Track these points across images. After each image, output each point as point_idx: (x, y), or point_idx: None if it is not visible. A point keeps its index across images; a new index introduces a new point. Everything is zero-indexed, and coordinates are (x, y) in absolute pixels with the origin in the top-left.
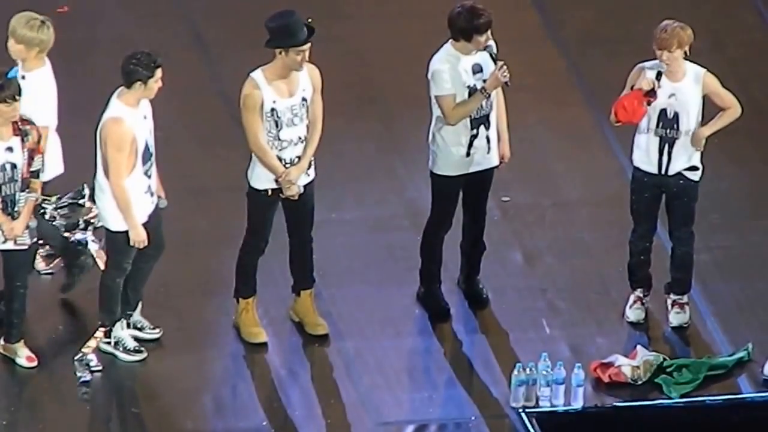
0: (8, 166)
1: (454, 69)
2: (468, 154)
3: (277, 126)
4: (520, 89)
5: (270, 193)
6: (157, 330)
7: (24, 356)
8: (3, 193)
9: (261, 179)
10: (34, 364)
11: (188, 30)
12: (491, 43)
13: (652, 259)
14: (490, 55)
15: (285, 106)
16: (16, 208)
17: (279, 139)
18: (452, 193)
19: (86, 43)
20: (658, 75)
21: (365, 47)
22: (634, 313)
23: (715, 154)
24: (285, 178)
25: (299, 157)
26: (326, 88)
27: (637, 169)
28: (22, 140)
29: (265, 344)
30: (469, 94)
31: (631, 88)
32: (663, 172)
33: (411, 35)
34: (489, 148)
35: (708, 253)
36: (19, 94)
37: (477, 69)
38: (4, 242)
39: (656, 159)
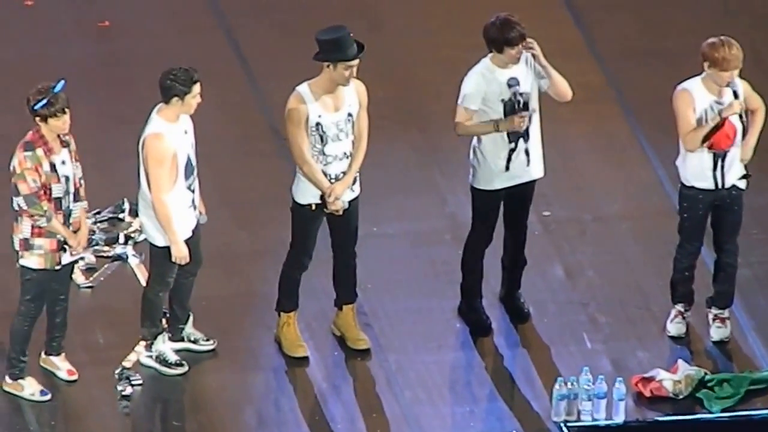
0: (63, 180)
1: (487, 83)
2: (507, 168)
3: (322, 141)
4: (560, 103)
5: (314, 207)
6: (211, 341)
7: (65, 369)
8: (63, 207)
9: (305, 194)
10: (75, 377)
11: (229, 44)
12: (531, 52)
13: (695, 275)
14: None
15: (330, 120)
16: (71, 220)
17: (324, 154)
18: (492, 208)
19: (127, 57)
20: (735, 94)
21: (406, 61)
22: (675, 328)
23: (754, 169)
24: (330, 194)
25: (344, 173)
26: (368, 102)
27: (690, 187)
28: (69, 151)
29: (306, 358)
30: (504, 108)
31: (718, 113)
32: (720, 186)
33: (452, 49)
34: (528, 161)
35: (748, 268)
36: (68, 107)
37: (513, 83)
38: (64, 252)
39: (711, 174)
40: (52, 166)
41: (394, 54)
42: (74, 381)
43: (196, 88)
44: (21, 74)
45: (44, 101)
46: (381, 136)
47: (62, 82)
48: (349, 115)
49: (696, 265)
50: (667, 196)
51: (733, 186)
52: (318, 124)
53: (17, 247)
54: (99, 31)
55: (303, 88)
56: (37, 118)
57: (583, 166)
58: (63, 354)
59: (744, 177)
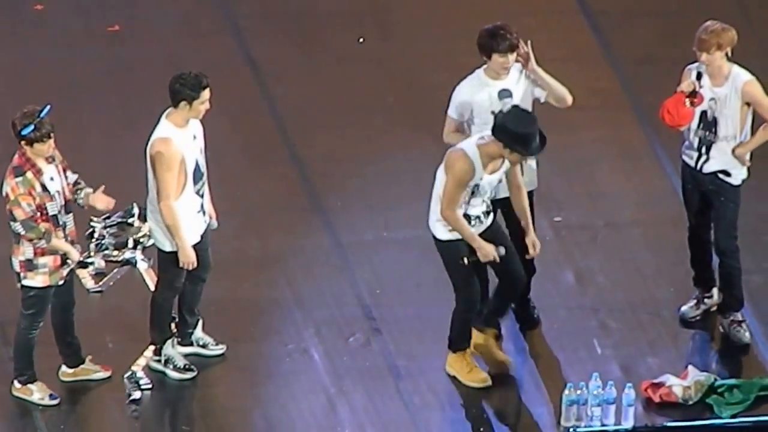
0: (57, 195)
1: (477, 93)
2: (499, 180)
3: (471, 196)
4: (574, 109)
5: (467, 263)
6: (220, 346)
7: (99, 367)
8: (60, 223)
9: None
10: (110, 373)
11: (240, 49)
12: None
13: (708, 264)
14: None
15: (487, 181)
16: (66, 232)
17: (467, 204)
18: None
19: (136, 61)
20: (699, 75)
21: (418, 67)
22: (686, 309)
23: (763, 174)
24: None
25: (486, 213)
26: (378, 107)
27: (682, 158)
28: (55, 165)
29: (318, 364)
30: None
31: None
32: (698, 168)
33: (464, 55)
34: (522, 174)
35: (760, 273)
36: (54, 131)
37: (505, 95)
38: (66, 265)
39: (695, 156)
40: (43, 186)
41: (406, 60)
42: (108, 377)
43: (205, 94)
44: (31, 78)
45: (31, 127)
46: (392, 142)
47: (48, 107)
48: (504, 174)
49: (704, 249)
50: (680, 204)
51: (715, 175)
52: (477, 185)
53: (17, 268)
54: (108, 36)
55: (473, 152)
56: (23, 142)
57: (596, 172)
58: (89, 356)
59: (725, 173)
